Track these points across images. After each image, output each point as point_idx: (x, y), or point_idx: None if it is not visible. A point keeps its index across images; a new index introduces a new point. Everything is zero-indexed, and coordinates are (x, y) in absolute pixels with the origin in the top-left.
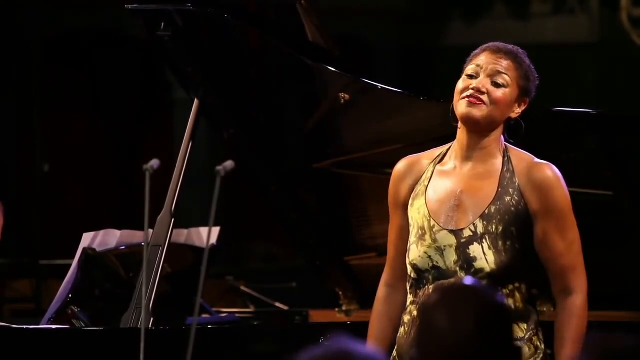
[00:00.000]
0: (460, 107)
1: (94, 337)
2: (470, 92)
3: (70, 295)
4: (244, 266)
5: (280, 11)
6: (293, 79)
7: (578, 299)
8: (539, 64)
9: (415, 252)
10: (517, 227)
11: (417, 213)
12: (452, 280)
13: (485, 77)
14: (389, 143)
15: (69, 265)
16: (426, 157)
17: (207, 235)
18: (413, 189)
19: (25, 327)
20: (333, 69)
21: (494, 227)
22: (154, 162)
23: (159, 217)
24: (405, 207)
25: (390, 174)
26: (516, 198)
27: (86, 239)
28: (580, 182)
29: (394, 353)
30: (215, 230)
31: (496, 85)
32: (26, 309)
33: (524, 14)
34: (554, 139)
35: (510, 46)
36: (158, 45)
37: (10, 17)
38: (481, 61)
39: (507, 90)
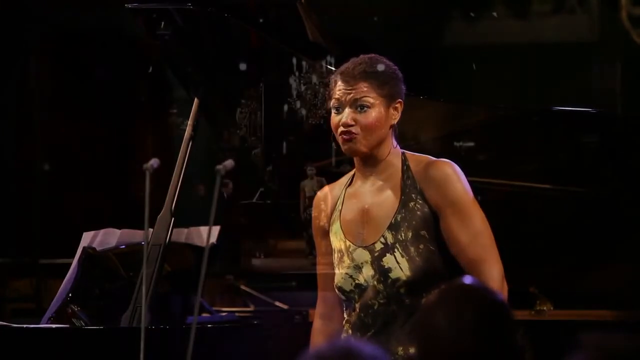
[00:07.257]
0: (341, 144)
1: (94, 336)
2: (342, 129)
3: (70, 294)
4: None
5: (280, 11)
6: (293, 79)
7: None
8: (539, 63)
9: (339, 275)
10: (427, 230)
11: (335, 237)
12: (453, 280)
13: (349, 108)
14: None
15: (69, 265)
16: (339, 184)
17: (207, 234)
18: (331, 215)
19: (25, 326)
20: (333, 69)
21: (403, 234)
22: (154, 162)
23: (159, 217)
24: (326, 234)
25: None
26: (420, 202)
27: (86, 238)
28: (580, 181)
29: None
30: (215, 230)
31: (361, 109)
32: (26, 308)
33: (523, 13)
34: (554, 139)
35: (360, 62)
36: (158, 45)
37: (10, 17)
38: (339, 93)
39: (373, 110)
